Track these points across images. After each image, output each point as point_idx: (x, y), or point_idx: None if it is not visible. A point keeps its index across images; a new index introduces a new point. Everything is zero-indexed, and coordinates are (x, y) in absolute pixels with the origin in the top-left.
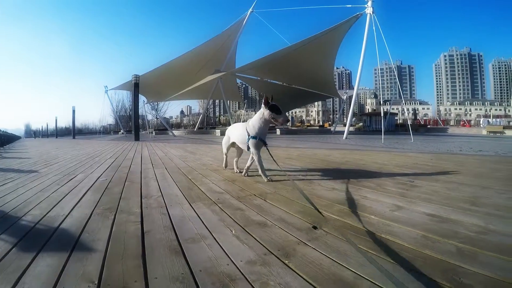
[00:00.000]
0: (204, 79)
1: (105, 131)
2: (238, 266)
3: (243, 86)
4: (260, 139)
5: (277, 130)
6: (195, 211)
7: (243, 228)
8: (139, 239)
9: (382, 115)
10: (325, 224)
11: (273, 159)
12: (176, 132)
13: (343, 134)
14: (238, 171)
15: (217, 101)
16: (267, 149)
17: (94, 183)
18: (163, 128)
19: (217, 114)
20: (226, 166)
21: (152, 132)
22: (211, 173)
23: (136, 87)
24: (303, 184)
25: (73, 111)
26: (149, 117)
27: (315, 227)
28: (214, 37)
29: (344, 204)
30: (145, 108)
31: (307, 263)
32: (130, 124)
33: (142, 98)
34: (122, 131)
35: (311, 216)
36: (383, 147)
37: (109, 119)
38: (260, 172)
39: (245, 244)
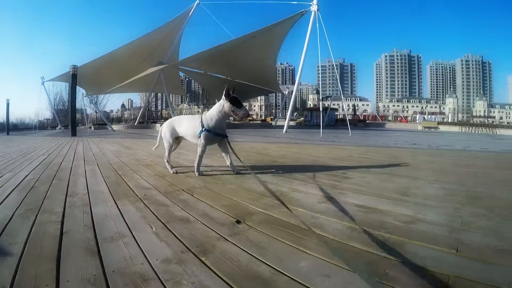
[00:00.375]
0: (146, 71)
1: (42, 126)
2: (152, 265)
3: (187, 79)
4: (215, 133)
5: (157, 125)
6: (118, 208)
7: (164, 224)
8: (57, 240)
9: (321, 110)
10: (249, 218)
11: (235, 154)
12: (116, 127)
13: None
14: (174, 171)
15: (159, 94)
16: (228, 142)
17: (20, 182)
18: (103, 122)
19: (159, 108)
20: (176, 171)
21: (91, 127)
22: (143, 168)
23: (74, 78)
24: (234, 178)
25: (7, 105)
26: (89, 111)
27: (238, 222)
28: (158, 28)
29: (272, 197)
30: (84, 102)
31: (225, 260)
32: (68, 119)
33: (81, 91)
34: (59, 126)
35: (237, 210)
36: (321, 141)
37: (47, 113)
38: (195, 163)
39: (163, 242)
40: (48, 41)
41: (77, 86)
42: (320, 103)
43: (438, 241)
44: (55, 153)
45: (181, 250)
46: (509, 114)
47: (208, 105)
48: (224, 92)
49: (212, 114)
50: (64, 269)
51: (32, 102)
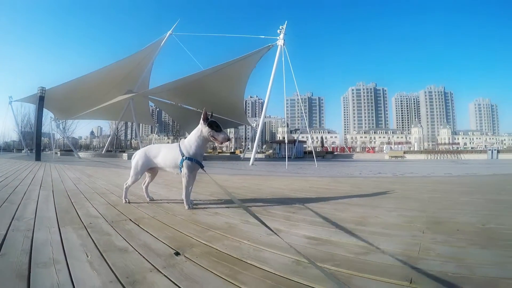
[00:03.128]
0: (115, 99)
1: (7, 148)
2: None
3: (157, 109)
4: (197, 161)
5: (124, 154)
6: (60, 235)
7: (101, 253)
8: None
9: (286, 142)
10: (189, 250)
11: (217, 184)
12: (82, 154)
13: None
14: (149, 200)
15: (129, 123)
16: (205, 171)
17: None
18: (70, 149)
19: (129, 137)
20: (129, 201)
21: (57, 153)
22: (97, 196)
23: (41, 100)
24: (186, 209)
25: None
26: (57, 136)
27: (177, 253)
28: (129, 56)
29: (220, 229)
30: (52, 126)
31: None
32: (34, 142)
33: (49, 114)
34: (25, 149)
35: (179, 242)
36: (285, 173)
37: (13, 135)
38: (183, 196)
39: (95, 271)
40: (19, 58)
41: (45, 109)
42: (286, 135)
43: (390, 273)
44: (14, 176)
45: (110, 280)
46: (473, 139)
47: (178, 136)
48: (202, 116)
49: (190, 140)
50: None
51: None
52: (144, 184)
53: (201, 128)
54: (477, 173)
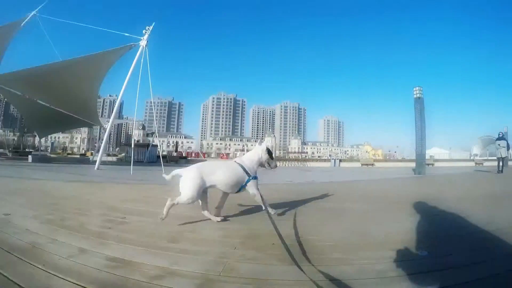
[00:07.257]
0: None
1: None
2: None
3: (4, 100)
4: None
5: (29, 157)
6: None
7: None
8: None
9: (133, 146)
10: None
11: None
12: None
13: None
14: (220, 219)
15: None
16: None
17: None
18: None
19: None
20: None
21: None
22: None
23: None
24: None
25: None
26: None
27: None
28: None
29: (15, 251)
30: None
31: None
32: None
33: None
34: None
35: None
36: (129, 179)
37: None
38: (265, 207)
39: None
40: None
41: None
42: (133, 139)
43: None
44: None
45: None
46: (320, 149)
47: (24, 133)
48: (266, 146)
49: (252, 163)
50: None
51: None
52: (203, 210)
53: (261, 154)
54: (315, 181)
